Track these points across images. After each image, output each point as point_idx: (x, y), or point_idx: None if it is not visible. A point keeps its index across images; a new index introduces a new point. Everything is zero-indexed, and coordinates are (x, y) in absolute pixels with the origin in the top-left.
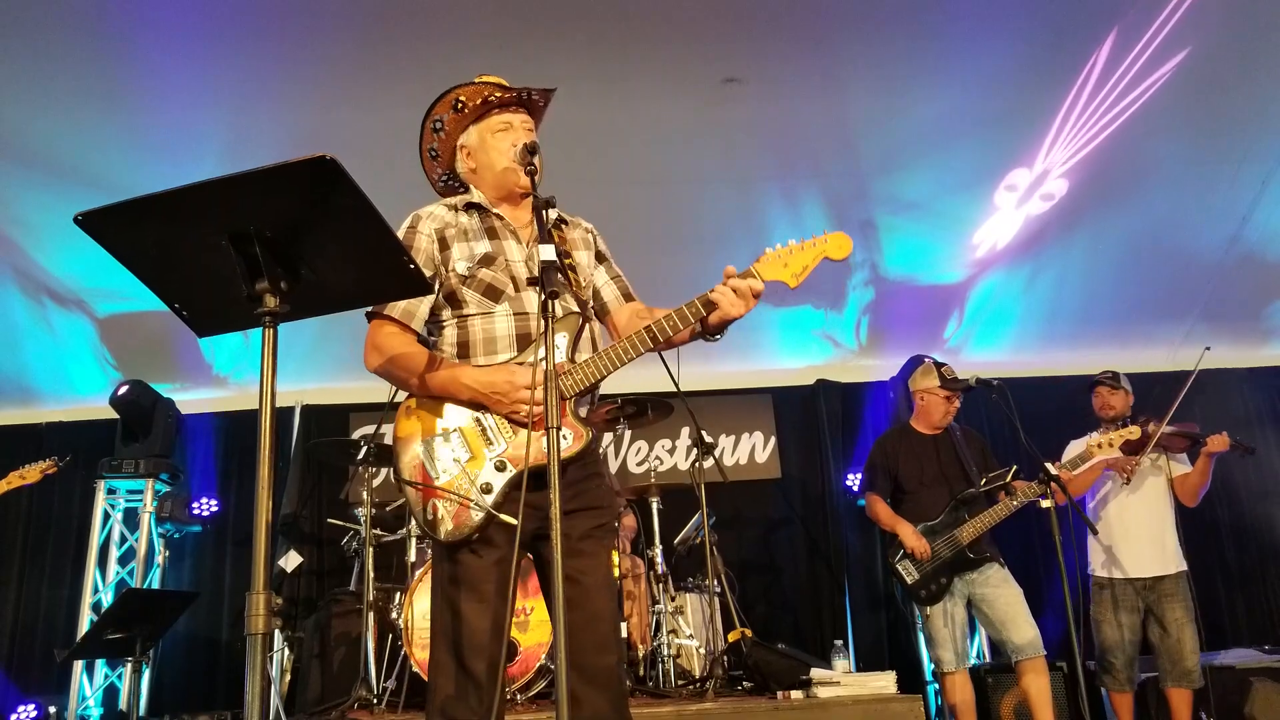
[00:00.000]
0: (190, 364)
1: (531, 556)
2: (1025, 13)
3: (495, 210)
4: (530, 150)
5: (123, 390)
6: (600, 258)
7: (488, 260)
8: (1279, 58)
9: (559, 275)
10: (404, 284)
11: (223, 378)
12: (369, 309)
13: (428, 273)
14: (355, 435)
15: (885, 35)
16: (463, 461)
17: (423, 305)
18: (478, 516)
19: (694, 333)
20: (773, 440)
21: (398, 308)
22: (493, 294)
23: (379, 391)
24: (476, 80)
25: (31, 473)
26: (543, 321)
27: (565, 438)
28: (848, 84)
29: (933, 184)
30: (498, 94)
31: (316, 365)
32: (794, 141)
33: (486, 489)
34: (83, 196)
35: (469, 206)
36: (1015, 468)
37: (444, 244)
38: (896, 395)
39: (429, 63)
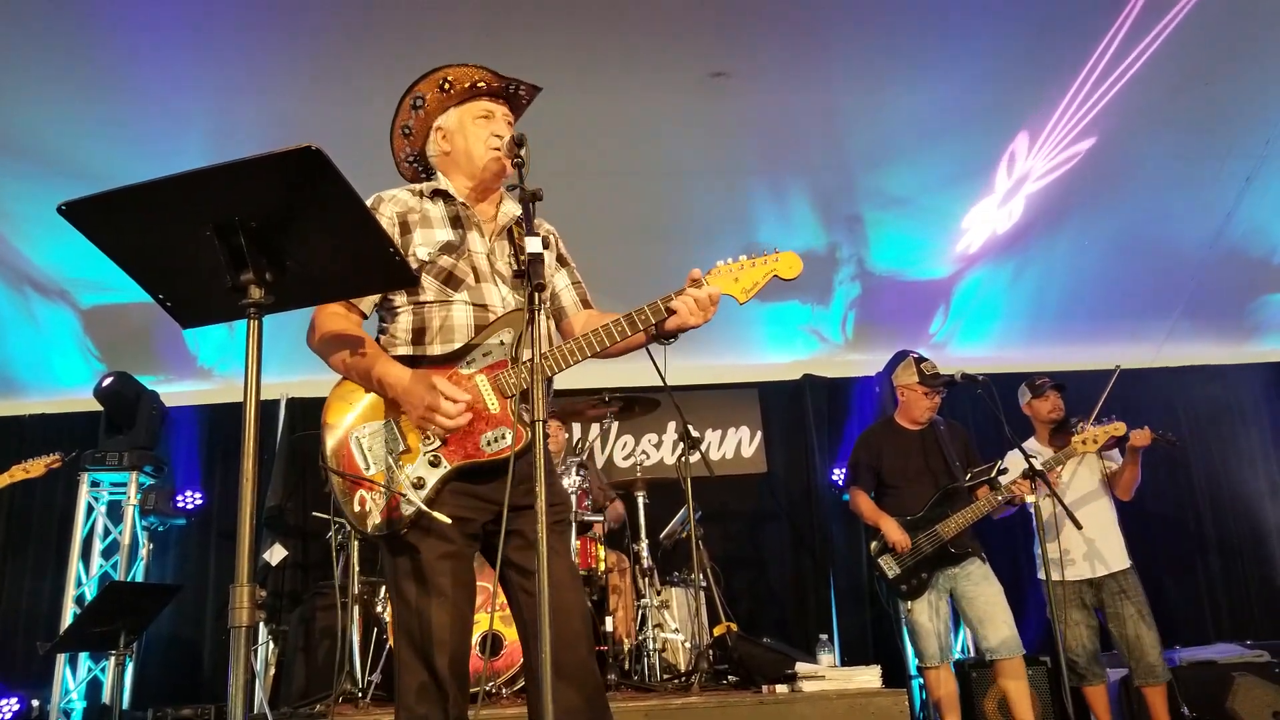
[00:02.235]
0: (174, 356)
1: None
2: (1013, 8)
3: (462, 200)
4: (518, 142)
5: (107, 382)
6: (562, 261)
7: (450, 248)
8: (1263, 54)
9: (542, 266)
10: (389, 275)
11: (207, 370)
12: None
13: None
14: None
15: (873, 30)
16: (396, 454)
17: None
18: (408, 511)
19: (648, 337)
20: (759, 435)
21: None
22: (453, 282)
23: None
24: (467, 64)
25: (35, 466)
26: (529, 314)
27: (504, 436)
28: (835, 79)
29: (919, 179)
30: (487, 79)
31: (302, 357)
32: (781, 136)
33: (419, 484)
34: (65, 186)
35: (435, 193)
36: (1000, 462)
37: (405, 228)
38: (882, 390)
39: (413, 53)
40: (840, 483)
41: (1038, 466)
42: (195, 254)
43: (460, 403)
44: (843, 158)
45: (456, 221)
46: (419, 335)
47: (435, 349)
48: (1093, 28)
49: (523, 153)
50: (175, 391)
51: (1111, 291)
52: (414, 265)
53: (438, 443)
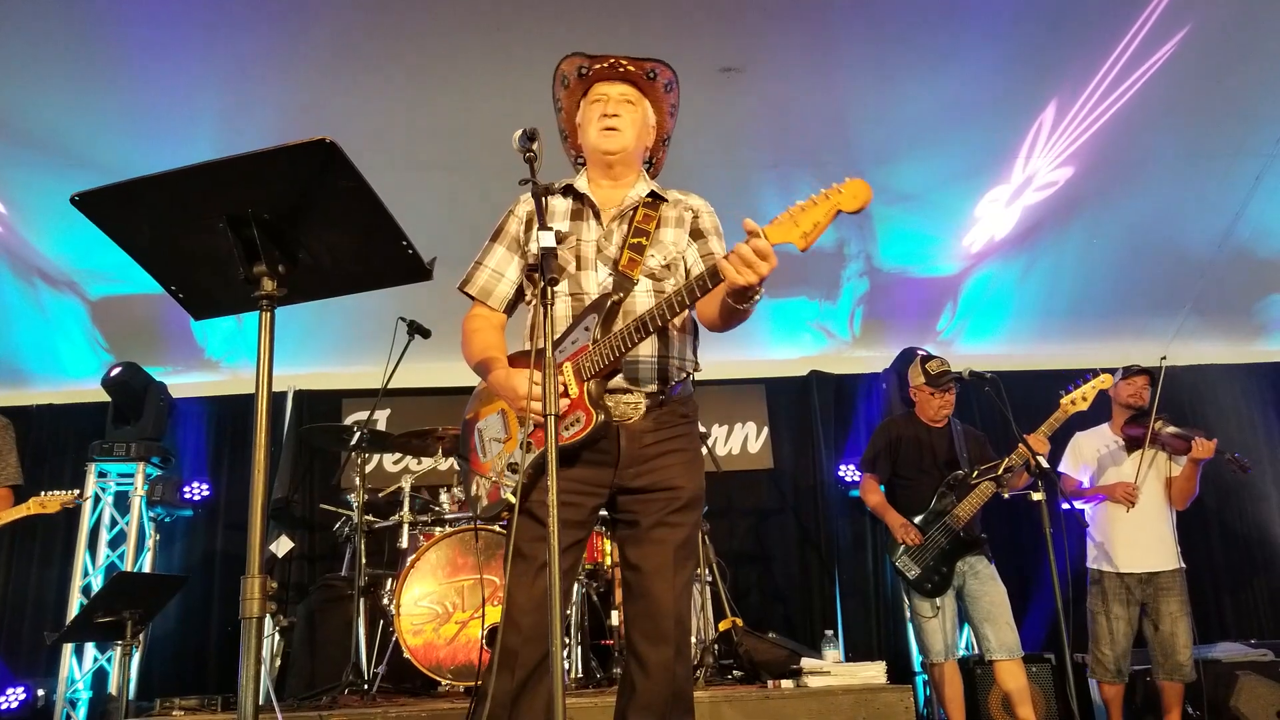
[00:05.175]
0: (182, 347)
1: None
2: (1024, 5)
3: (586, 191)
4: (530, 136)
5: (115, 372)
6: (697, 234)
7: (559, 240)
8: (1274, 53)
9: (555, 260)
10: (403, 268)
11: (214, 361)
12: (460, 285)
13: (512, 255)
14: (348, 421)
15: (883, 25)
16: (501, 442)
17: (502, 284)
18: (506, 495)
19: (725, 305)
20: (765, 430)
21: (476, 284)
22: (557, 273)
23: (372, 377)
24: (573, 53)
25: (52, 502)
26: (541, 308)
27: (578, 421)
28: (844, 74)
29: (928, 175)
30: (585, 63)
31: (309, 349)
32: (790, 131)
33: (514, 468)
34: (74, 176)
35: (566, 189)
36: (1008, 459)
37: (528, 225)
38: (889, 387)
39: (423, 45)
40: (847, 479)
41: (1043, 465)
42: (208, 245)
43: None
44: (851, 153)
45: (576, 214)
46: (532, 331)
47: (540, 342)
48: (1106, 27)
49: (535, 147)
50: (183, 383)
51: (1119, 290)
52: (532, 259)
53: (531, 428)
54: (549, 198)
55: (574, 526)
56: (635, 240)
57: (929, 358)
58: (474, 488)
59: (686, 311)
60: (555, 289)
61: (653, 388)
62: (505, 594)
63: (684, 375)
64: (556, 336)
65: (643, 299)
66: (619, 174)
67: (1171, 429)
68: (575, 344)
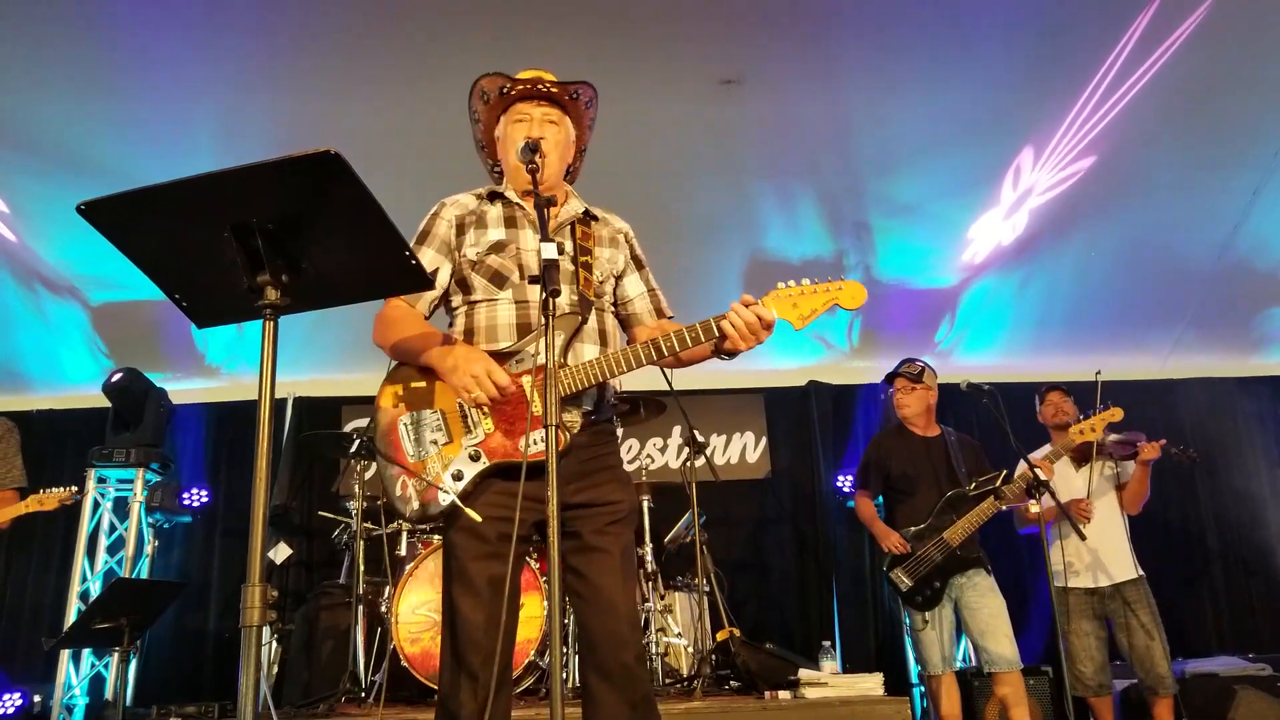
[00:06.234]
0: (182, 354)
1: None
2: (1023, 18)
3: (518, 200)
4: (531, 148)
5: (116, 377)
6: (638, 264)
7: (499, 247)
8: (1271, 66)
9: (556, 272)
10: (406, 278)
11: (214, 368)
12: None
13: (442, 257)
14: (347, 428)
15: (882, 38)
16: (439, 444)
17: (428, 291)
18: (445, 501)
19: (699, 356)
20: (764, 440)
21: None
22: (498, 280)
23: (371, 384)
24: (492, 73)
25: (50, 500)
26: (544, 319)
27: (540, 440)
28: (844, 86)
29: (927, 187)
30: (508, 83)
31: (309, 357)
32: (789, 141)
33: (457, 476)
34: (76, 183)
35: (493, 195)
36: (1005, 472)
37: (461, 230)
38: (887, 397)
39: (424, 54)
40: (845, 489)
41: (1041, 476)
42: (212, 255)
43: (503, 383)
44: (851, 165)
45: (510, 221)
46: (469, 336)
47: (483, 347)
48: (1103, 38)
49: (536, 159)
50: (182, 389)
51: (1118, 302)
52: (465, 265)
53: (480, 437)
54: (481, 206)
55: (517, 540)
56: (584, 259)
57: (905, 360)
58: (398, 487)
59: (619, 332)
60: (499, 297)
61: (590, 408)
62: (455, 613)
63: (613, 395)
64: (513, 344)
65: (595, 320)
66: (545, 190)
67: (1115, 436)
68: (539, 357)
